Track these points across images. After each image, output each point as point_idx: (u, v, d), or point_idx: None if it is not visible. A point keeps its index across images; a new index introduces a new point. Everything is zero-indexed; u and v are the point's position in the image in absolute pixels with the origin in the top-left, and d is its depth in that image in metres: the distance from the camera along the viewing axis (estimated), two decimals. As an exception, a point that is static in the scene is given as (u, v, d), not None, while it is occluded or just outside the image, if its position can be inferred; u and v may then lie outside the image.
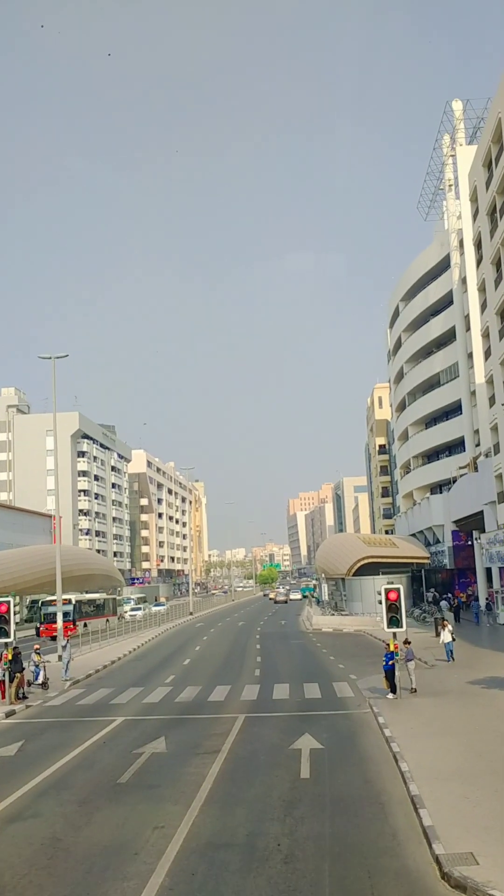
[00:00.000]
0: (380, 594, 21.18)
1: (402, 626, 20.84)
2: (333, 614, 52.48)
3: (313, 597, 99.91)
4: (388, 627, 20.84)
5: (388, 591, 20.74)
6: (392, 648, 21.08)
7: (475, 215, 45.03)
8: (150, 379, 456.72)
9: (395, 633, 21.19)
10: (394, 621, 20.81)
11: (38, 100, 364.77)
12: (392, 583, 21.51)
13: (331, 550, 68.95)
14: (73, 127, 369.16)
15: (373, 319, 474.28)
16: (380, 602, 21.46)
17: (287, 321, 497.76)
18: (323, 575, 68.07)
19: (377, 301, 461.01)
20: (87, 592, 54.87)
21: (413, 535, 72.65)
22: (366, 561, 61.23)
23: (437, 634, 38.60)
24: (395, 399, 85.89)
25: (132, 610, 67.08)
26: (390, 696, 21.19)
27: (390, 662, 21.24)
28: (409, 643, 22.49)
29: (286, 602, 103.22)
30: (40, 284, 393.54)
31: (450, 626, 28.50)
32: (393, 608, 20.78)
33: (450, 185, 64.14)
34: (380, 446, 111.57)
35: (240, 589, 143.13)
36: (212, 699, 22.53)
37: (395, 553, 63.32)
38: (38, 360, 35.87)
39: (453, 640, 28.35)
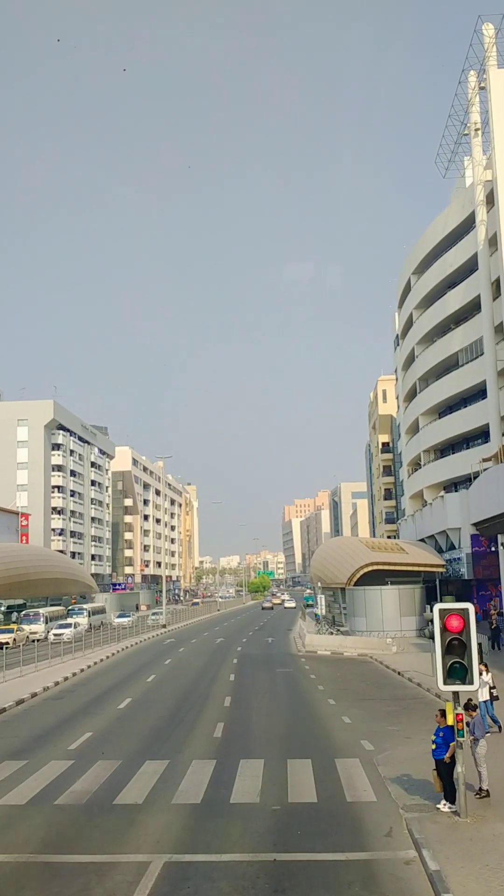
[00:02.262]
0: (430, 621, 11.39)
1: (471, 682, 11.08)
2: (332, 633, 42.65)
3: (308, 607, 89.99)
4: (447, 683, 11.06)
5: (446, 615, 10.93)
6: (450, 721, 11.31)
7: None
8: (144, 382, 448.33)
9: (456, 694, 11.39)
10: (456, 671, 11.04)
11: (53, 115, 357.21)
12: (451, 597, 11.61)
13: (328, 556, 59.10)
14: (76, 139, 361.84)
15: (371, 327, 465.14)
16: (428, 636, 11.59)
17: (285, 329, 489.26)
18: (319, 584, 58.20)
19: (375, 309, 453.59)
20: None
21: (422, 540, 63.06)
22: (371, 568, 51.42)
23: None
24: (404, 388, 76.27)
25: (59, 628, 49.08)
26: (444, 806, 11.51)
27: (447, 752, 11.53)
28: (476, 709, 12.64)
29: (272, 608, 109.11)
30: (37, 286, 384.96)
31: (487, 675, 16.95)
32: (456, 647, 11.00)
33: (476, 129, 54.65)
34: (383, 444, 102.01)
35: (221, 599, 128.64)
36: (122, 800, 12.70)
37: (405, 560, 53.54)
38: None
39: (495, 697, 17.19)
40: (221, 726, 18.90)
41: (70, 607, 62.50)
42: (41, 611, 55.72)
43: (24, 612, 57.27)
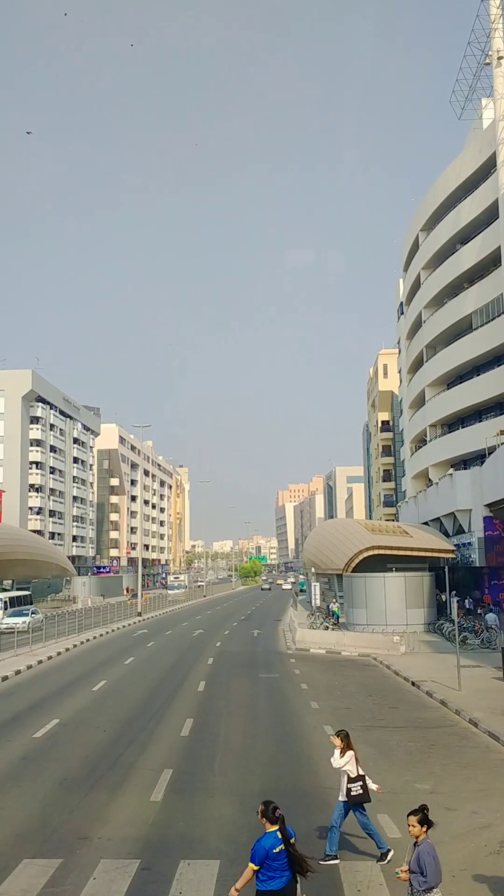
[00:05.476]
0: None
1: None
2: (327, 627, 36.38)
3: (301, 593, 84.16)
4: None
5: None
6: None
7: None
8: (137, 365, 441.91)
9: None
10: None
11: (57, 102, 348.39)
12: None
13: (324, 539, 53.02)
14: (84, 118, 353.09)
15: (369, 312, 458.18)
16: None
17: (282, 313, 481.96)
18: (312, 570, 52.15)
19: (374, 295, 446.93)
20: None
21: (425, 523, 57.16)
22: (372, 552, 45.48)
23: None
24: (408, 358, 70.12)
25: None
26: None
27: None
28: (426, 825, 6.70)
29: (270, 589, 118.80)
30: (39, 271, 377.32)
31: (344, 757, 9.54)
32: None
33: (499, 58, 48.07)
34: (382, 422, 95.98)
35: (175, 590, 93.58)
36: None
37: (410, 544, 47.51)
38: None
39: (358, 798, 9.45)
40: (168, 777, 12.78)
41: None
42: None
43: None
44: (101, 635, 41.07)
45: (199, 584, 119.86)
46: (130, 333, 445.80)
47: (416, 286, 64.40)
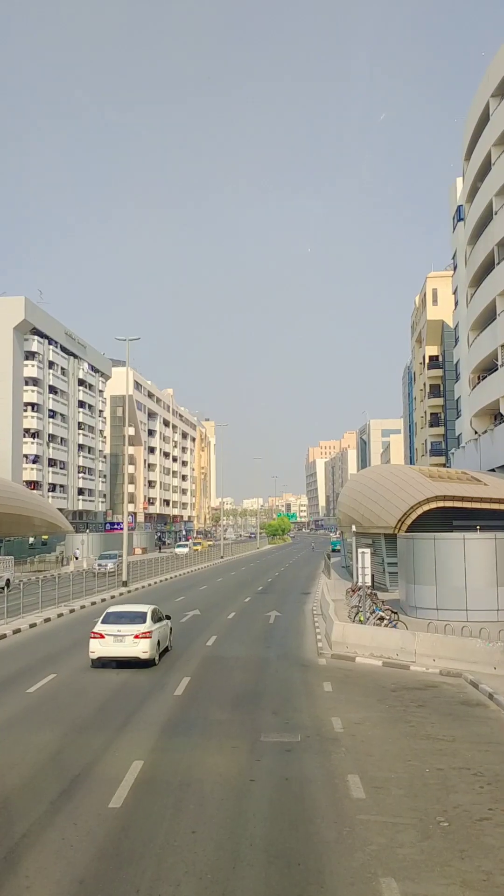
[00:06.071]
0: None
1: None
2: (382, 619, 22.94)
3: (334, 553, 71.79)
4: None
5: None
6: None
7: None
8: (164, 320, 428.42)
9: None
10: None
11: (53, 30, 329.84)
12: None
13: (365, 488, 40.06)
14: (81, 57, 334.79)
15: (401, 257, 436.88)
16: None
17: (314, 264, 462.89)
18: (353, 529, 39.29)
19: (407, 243, 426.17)
20: None
21: (491, 471, 44.25)
22: (438, 504, 32.73)
23: None
24: (471, 267, 56.07)
25: None
26: None
27: None
28: None
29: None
30: (49, 217, 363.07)
31: None
32: None
33: None
34: (430, 358, 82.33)
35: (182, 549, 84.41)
36: None
37: (489, 494, 34.56)
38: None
39: None
40: None
41: None
42: None
43: None
44: (59, 616, 29.04)
45: (215, 543, 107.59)
46: (155, 284, 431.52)
47: (485, 169, 50.30)
